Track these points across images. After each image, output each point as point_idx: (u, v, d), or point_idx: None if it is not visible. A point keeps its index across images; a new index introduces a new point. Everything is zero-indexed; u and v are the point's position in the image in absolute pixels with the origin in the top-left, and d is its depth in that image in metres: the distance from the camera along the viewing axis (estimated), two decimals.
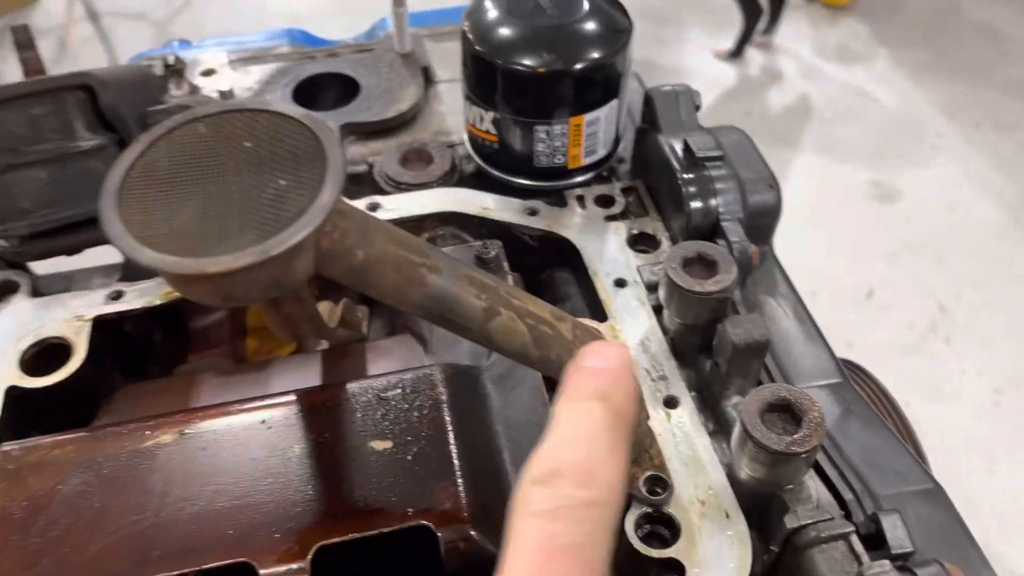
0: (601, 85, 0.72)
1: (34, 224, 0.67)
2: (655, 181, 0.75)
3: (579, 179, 0.77)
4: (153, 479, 0.54)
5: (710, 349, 0.64)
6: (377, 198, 0.75)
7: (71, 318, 0.66)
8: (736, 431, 0.55)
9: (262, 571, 0.49)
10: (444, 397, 0.57)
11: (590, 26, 0.71)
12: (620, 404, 0.38)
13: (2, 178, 0.66)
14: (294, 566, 0.50)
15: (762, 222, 0.72)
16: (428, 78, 0.93)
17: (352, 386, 0.58)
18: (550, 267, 0.77)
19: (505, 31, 0.71)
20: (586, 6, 0.73)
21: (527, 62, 0.69)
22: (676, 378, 0.63)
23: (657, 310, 0.67)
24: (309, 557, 0.50)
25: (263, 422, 0.57)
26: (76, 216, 0.67)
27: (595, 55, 0.70)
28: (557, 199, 0.76)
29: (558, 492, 0.33)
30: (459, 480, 0.53)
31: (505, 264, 0.69)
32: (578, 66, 0.70)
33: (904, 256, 2.55)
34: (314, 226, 0.38)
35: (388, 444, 0.55)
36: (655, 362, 0.64)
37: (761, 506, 0.57)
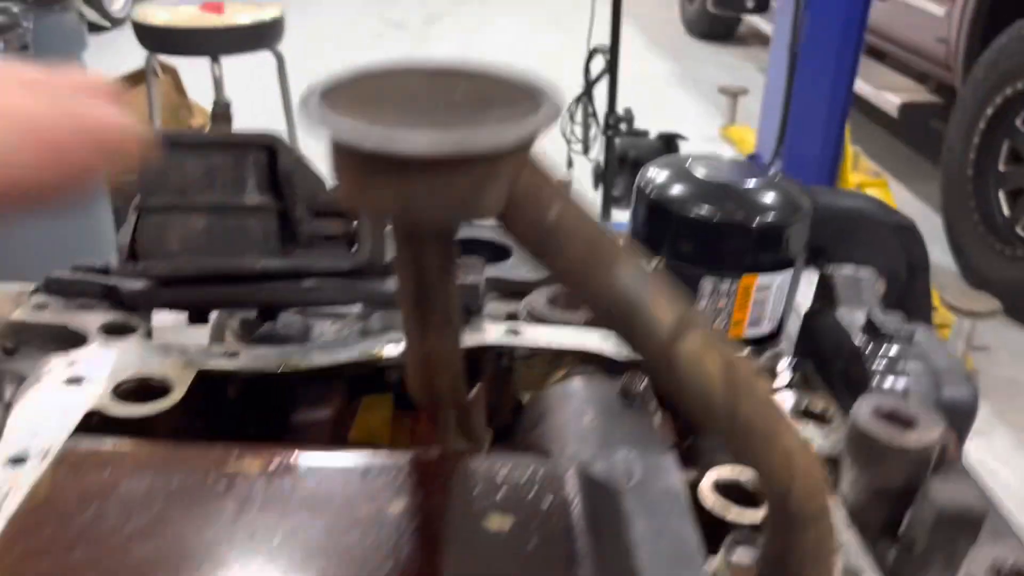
0: (779, 249, 0.68)
1: (176, 267, 0.64)
2: (827, 364, 0.68)
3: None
4: (227, 501, 0.45)
5: (895, 530, 0.53)
6: (519, 324, 0.70)
7: (179, 363, 0.61)
8: None
9: None
10: (578, 494, 0.48)
11: (772, 192, 0.69)
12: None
13: (160, 217, 0.65)
14: None
15: (954, 423, 0.62)
16: None
17: (474, 460, 0.50)
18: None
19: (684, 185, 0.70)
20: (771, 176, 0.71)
21: (702, 213, 0.67)
22: (856, 550, 0.51)
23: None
24: None
25: (363, 471, 0.48)
26: (217, 268, 0.64)
27: (777, 215, 0.67)
28: None
29: None
30: None
31: (653, 402, 0.61)
32: (758, 222, 0.67)
33: None
34: (533, 128, 0.34)
35: (505, 529, 0.45)
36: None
37: None
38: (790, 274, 0.70)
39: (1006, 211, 3.83)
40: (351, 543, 0.43)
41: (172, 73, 3.85)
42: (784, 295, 0.71)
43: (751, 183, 0.70)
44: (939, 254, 3.84)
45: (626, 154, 2.86)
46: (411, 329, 0.47)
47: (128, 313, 0.67)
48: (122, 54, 4.34)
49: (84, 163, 0.31)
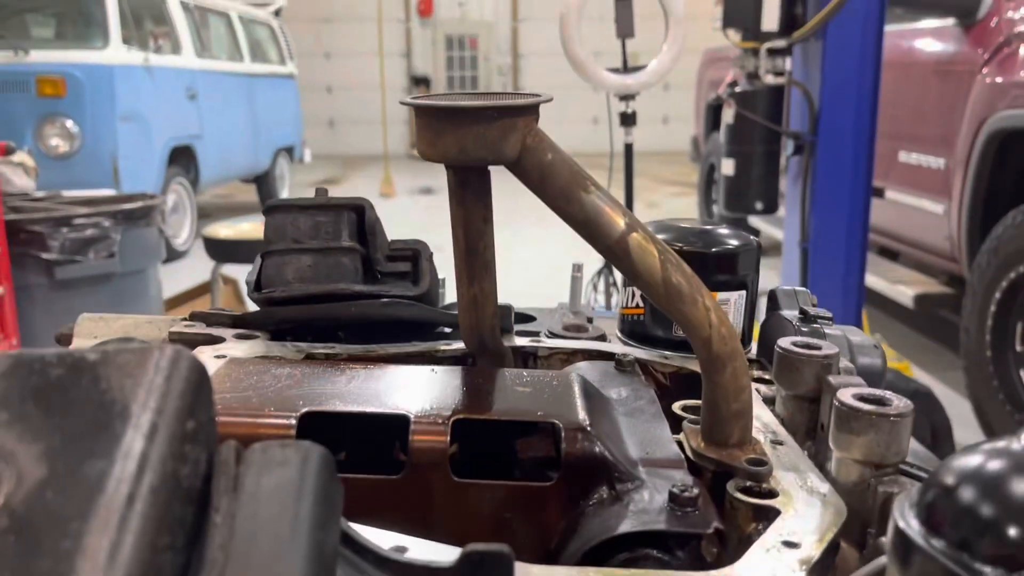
0: (732, 272, 0.91)
1: (288, 290, 0.89)
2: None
3: None
4: (340, 377, 0.67)
5: (815, 432, 0.72)
6: (541, 338, 0.92)
7: (294, 349, 0.84)
8: (832, 419, 0.62)
9: (414, 423, 0.59)
10: (576, 379, 0.69)
11: (730, 234, 0.94)
12: None
13: (281, 256, 0.90)
14: (439, 423, 0.59)
15: (869, 385, 0.82)
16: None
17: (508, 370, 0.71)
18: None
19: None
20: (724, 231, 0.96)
21: (675, 246, 0.91)
22: (789, 439, 0.70)
23: (769, 402, 0.76)
24: (451, 420, 0.60)
25: (432, 370, 0.70)
26: (319, 291, 0.89)
27: (728, 246, 0.91)
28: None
29: None
30: (580, 409, 0.63)
31: (641, 375, 0.82)
32: (714, 250, 0.90)
33: None
34: (541, 100, 0.60)
35: (527, 390, 0.66)
36: (767, 429, 0.71)
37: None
38: (744, 295, 0.92)
39: None
40: (432, 391, 0.64)
41: (233, 284, 4.28)
42: (742, 312, 0.92)
43: (721, 230, 0.94)
44: (972, 437, 3.91)
45: None
46: (461, 276, 0.71)
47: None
48: (182, 275, 4.95)
49: None
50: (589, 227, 0.62)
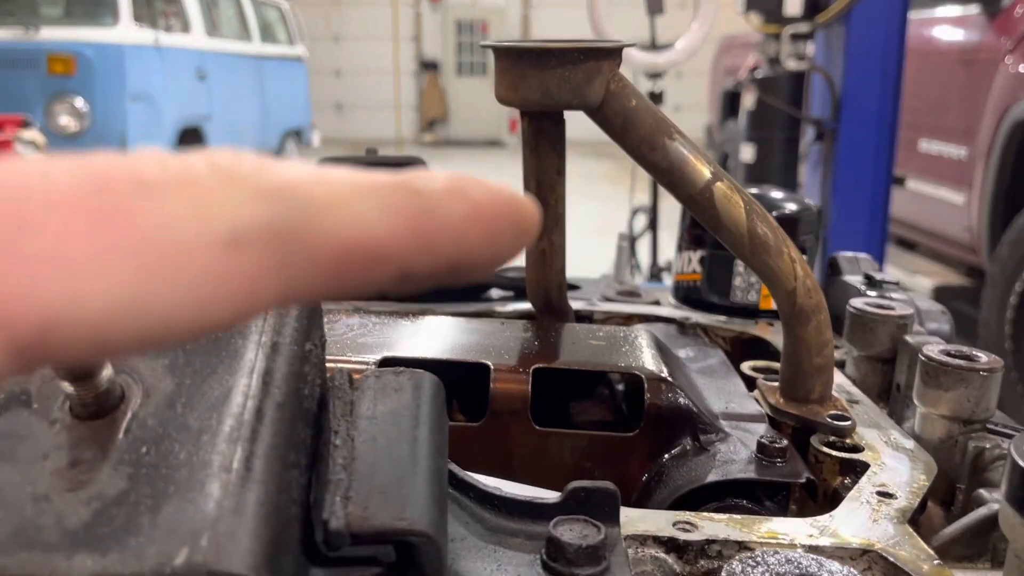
0: (793, 236, 0.89)
1: None
2: (838, 313, 0.87)
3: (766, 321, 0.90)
4: (410, 327, 0.66)
5: (888, 394, 0.71)
6: (596, 302, 0.91)
7: (349, 307, 0.83)
8: (918, 374, 0.61)
9: (494, 370, 0.58)
10: (647, 334, 0.68)
11: (789, 198, 0.92)
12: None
13: None
14: (520, 371, 0.58)
15: None
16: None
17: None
18: None
19: None
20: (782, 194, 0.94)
21: None
22: (866, 399, 0.69)
23: (838, 366, 0.75)
24: (532, 368, 0.59)
25: (501, 323, 0.69)
26: None
27: (789, 210, 0.89)
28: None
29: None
30: (659, 361, 0.62)
31: (705, 338, 0.81)
32: (774, 213, 0.89)
33: None
34: (625, 44, 0.58)
35: (602, 343, 0.65)
36: (841, 390, 0.70)
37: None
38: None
39: None
40: (506, 341, 0.63)
41: None
42: None
43: (776, 193, 0.93)
44: None
45: None
46: None
47: None
48: None
49: (510, 238, 0.25)
50: (672, 175, 0.60)
